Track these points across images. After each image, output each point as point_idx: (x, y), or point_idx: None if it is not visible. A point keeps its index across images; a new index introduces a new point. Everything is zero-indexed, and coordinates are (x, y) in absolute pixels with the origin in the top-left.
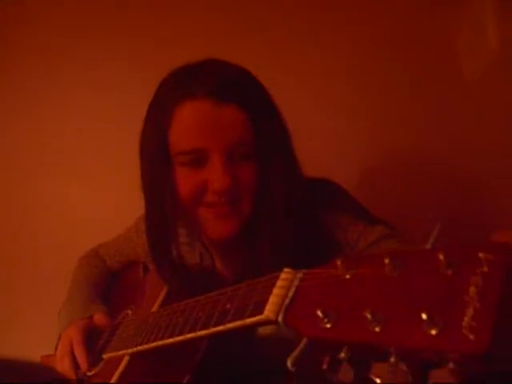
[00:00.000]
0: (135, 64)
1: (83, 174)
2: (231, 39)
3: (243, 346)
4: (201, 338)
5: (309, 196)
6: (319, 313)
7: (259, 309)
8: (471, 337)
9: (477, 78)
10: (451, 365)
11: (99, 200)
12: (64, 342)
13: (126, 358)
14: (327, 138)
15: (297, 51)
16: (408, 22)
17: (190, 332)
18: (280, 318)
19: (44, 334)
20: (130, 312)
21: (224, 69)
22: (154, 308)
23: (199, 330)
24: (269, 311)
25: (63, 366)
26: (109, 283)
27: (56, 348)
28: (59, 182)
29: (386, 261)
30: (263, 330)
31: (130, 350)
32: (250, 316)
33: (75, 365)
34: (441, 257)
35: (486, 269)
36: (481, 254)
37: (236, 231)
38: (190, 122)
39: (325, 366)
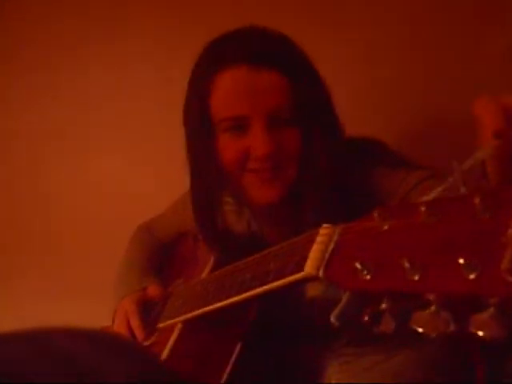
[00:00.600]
0: (175, 37)
1: (124, 148)
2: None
3: (293, 308)
4: (247, 300)
5: (352, 157)
6: (358, 265)
7: (300, 265)
8: (510, 279)
9: None
10: (492, 309)
11: (140, 174)
12: (120, 315)
13: (179, 327)
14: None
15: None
16: None
17: (236, 295)
18: (321, 273)
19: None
20: (181, 282)
21: (261, 34)
22: (203, 276)
23: (244, 291)
24: (309, 267)
25: None
26: (161, 256)
27: (113, 320)
28: (100, 156)
29: (423, 209)
30: (312, 292)
31: (181, 318)
32: (292, 273)
33: (132, 336)
34: (477, 201)
35: None
36: None
37: (281, 196)
38: (229, 89)
39: (366, 318)
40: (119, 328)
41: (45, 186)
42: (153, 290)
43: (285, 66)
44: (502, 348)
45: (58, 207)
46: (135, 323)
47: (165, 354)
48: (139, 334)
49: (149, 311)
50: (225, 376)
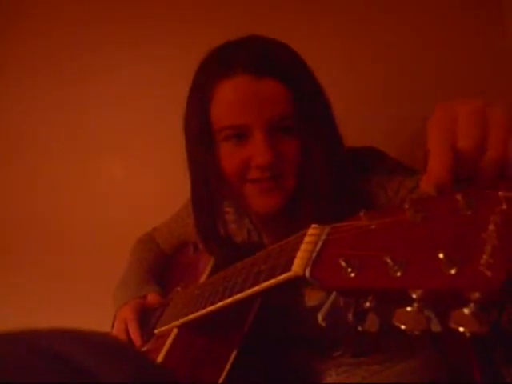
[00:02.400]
0: (176, 42)
1: (126, 153)
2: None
3: (291, 318)
4: (242, 304)
5: (350, 166)
6: (342, 263)
7: (288, 265)
8: (488, 273)
9: None
10: (472, 305)
11: (142, 183)
12: (119, 321)
13: (174, 331)
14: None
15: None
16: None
17: (228, 297)
18: (307, 273)
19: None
20: (179, 289)
21: (262, 44)
22: (200, 282)
23: (236, 293)
24: (296, 266)
25: None
26: (162, 266)
27: (112, 327)
28: (102, 161)
29: (407, 207)
30: (311, 302)
31: (177, 323)
32: (281, 273)
33: (130, 343)
34: (460, 198)
35: (505, 207)
36: (500, 193)
37: (280, 205)
38: (230, 98)
39: (350, 317)
40: (118, 334)
41: (45, 193)
42: (152, 298)
43: (286, 76)
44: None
45: (60, 214)
46: (133, 330)
47: (160, 358)
48: (137, 340)
49: (148, 318)
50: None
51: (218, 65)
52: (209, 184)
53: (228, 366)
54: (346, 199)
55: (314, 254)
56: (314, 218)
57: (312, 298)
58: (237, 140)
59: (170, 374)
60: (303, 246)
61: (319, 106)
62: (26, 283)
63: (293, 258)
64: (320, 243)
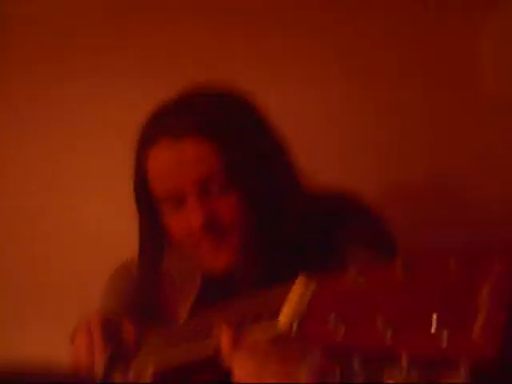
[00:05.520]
0: (147, 84)
1: (97, 188)
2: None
3: None
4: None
5: (317, 214)
6: (331, 321)
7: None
8: (481, 342)
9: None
10: (462, 369)
11: (112, 214)
12: (83, 326)
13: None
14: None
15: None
16: (429, 26)
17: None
18: (294, 329)
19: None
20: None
21: (181, 102)
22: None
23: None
24: (282, 323)
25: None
26: (140, 298)
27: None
28: (72, 196)
29: (398, 266)
30: None
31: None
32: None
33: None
34: (453, 262)
35: (498, 273)
36: (493, 259)
37: (231, 262)
38: (157, 167)
39: (337, 374)
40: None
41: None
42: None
43: (207, 130)
44: None
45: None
46: (97, 338)
47: None
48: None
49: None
50: None
51: (144, 133)
52: (153, 247)
53: None
54: (310, 251)
55: (301, 310)
56: (268, 274)
57: None
58: (177, 206)
59: None
60: (289, 301)
61: (255, 156)
62: None
63: (278, 312)
64: (306, 298)
